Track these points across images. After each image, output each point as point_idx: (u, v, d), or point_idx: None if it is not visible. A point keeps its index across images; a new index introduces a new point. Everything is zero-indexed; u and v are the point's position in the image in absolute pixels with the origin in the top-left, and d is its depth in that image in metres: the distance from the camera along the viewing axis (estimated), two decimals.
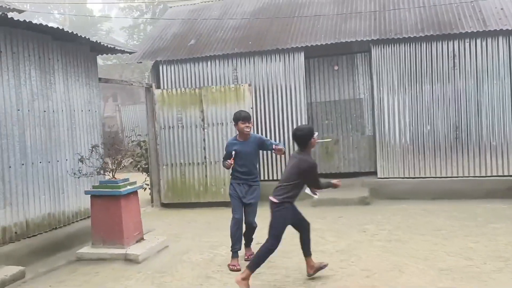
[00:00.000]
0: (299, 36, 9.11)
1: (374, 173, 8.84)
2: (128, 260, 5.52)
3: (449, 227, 6.40)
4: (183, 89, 9.15)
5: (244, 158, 5.32)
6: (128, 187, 5.73)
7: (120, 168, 5.79)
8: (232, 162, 5.25)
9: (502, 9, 8.27)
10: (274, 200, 4.50)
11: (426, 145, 8.41)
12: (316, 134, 4.64)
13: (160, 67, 9.59)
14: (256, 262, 4.45)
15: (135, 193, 5.92)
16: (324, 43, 8.59)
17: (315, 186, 4.69)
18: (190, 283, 4.86)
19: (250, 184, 5.38)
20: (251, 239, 5.58)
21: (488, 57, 8.09)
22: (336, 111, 9.33)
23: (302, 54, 8.91)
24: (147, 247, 5.77)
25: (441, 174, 8.35)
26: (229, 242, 5.36)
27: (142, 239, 6.01)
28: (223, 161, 5.53)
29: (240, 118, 5.31)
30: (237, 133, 5.45)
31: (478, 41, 8.10)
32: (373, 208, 7.86)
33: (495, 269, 4.68)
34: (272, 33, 9.46)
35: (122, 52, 7.29)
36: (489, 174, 8.16)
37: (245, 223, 5.39)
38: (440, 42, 8.26)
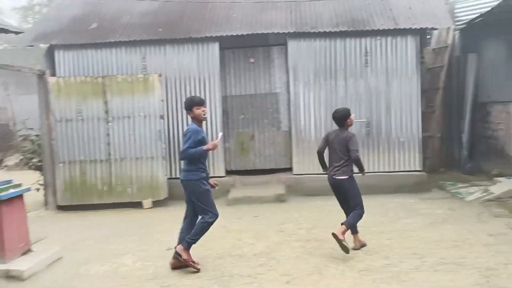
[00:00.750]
0: (213, 25, 8.61)
1: (290, 169, 8.68)
2: (10, 277, 4.64)
3: (364, 224, 6.31)
4: (83, 77, 8.20)
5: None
6: (11, 190, 4.83)
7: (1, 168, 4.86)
8: (217, 144, 4.78)
9: (410, 8, 8.50)
10: (344, 177, 5.26)
11: None
12: (353, 115, 5.39)
13: (56, 53, 8.52)
14: (352, 223, 5.20)
15: (19, 197, 5.01)
16: (240, 34, 8.20)
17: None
18: None
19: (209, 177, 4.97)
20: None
21: (398, 55, 8.28)
22: (252, 106, 8.98)
23: (217, 44, 8.44)
24: (35, 260, 4.92)
25: (355, 169, 8.38)
26: (135, 249, 4.75)
27: (30, 250, 5.13)
28: (191, 150, 4.63)
29: (195, 103, 4.74)
30: (193, 121, 4.81)
31: (389, 39, 8.26)
32: (290, 205, 7.67)
33: (412, 267, 4.64)
34: (185, 20, 8.86)
35: (6, 32, 6.23)
36: (397, 169, 8.39)
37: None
38: (353, 38, 8.28)
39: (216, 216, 4.76)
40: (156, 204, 8.07)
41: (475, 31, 9.82)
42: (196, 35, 8.36)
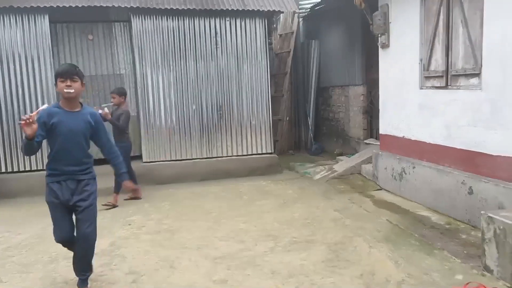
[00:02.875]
0: None
1: (140, 157, 8.04)
2: None
3: (218, 209, 6.16)
4: None
5: (67, 136, 3.48)
6: None
7: None
8: (32, 117, 3.17)
9: None
10: None
11: (192, 125, 8.06)
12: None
13: None
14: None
15: None
16: (74, 5, 7.18)
17: None
18: None
19: (79, 178, 3.58)
20: (86, 264, 3.73)
21: (247, 38, 8.21)
22: (93, 88, 8.03)
23: (47, 17, 7.30)
24: None
25: (208, 154, 8.16)
26: None
27: None
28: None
29: (58, 73, 3.48)
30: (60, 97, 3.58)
31: (238, 20, 8.13)
32: None
33: (266, 249, 4.53)
34: None
35: None
36: (250, 152, 8.39)
37: (76, 237, 3.61)
38: (203, 18, 7.94)
39: (60, 233, 3.64)
40: None
41: (317, 18, 10.37)
42: (20, 4, 7.08)
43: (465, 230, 4.84)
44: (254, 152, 8.41)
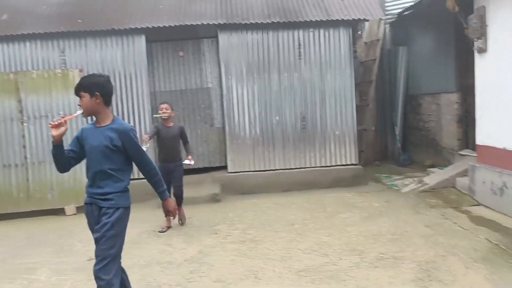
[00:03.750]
0: (138, 16, 8.02)
1: (225, 167, 8.29)
2: None
3: (301, 220, 6.14)
4: None
5: (89, 153, 3.17)
6: None
7: None
8: (62, 119, 3.05)
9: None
10: None
11: (275, 136, 8.16)
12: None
13: None
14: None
15: None
16: (167, 25, 7.68)
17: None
18: None
19: (99, 204, 3.13)
20: None
21: (330, 47, 8.14)
22: (183, 101, 8.48)
23: (143, 37, 7.87)
24: None
25: (290, 165, 8.19)
26: (51, 261, 4.09)
27: None
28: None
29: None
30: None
31: (322, 31, 8.10)
32: (224, 205, 7.27)
33: (351, 264, 4.42)
34: (107, 11, 8.19)
35: None
36: (333, 163, 8.27)
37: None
38: (286, 30, 8.04)
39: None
40: (81, 210, 7.36)
41: (405, 24, 9.98)
42: (120, 27, 7.74)
43: None
44: (338, 163, 8.27)
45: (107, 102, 3.19)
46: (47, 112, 7.42)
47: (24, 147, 7.40)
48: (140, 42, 7.90)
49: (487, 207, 6.09)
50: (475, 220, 5.65)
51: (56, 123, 3.01)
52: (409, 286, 3.85)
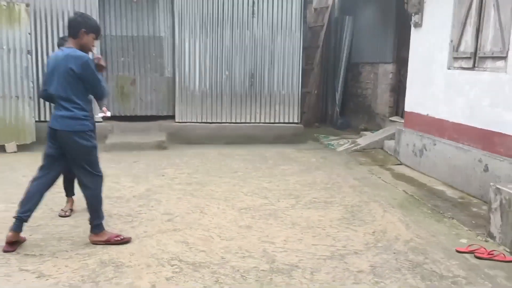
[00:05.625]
0: None
1: (172, 117, 8.50)
2: None
3: (244, 169, 6.59)
4: None
5: None
6: None
7: None
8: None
9: None
10: None
11: (224, 90, 8.45)
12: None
13: None
14: None
15: None
16: None
17: None
18: None
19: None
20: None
21: (283, 9, 8.43)
22: (134, 48, 8.47)
23: None
24: None
25: (237, 119, 8.56)
26: None
27: None
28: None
29: (98, 30, 3.84)
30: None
31: None
32: (171, 152, 7.54)
33: (288, 206, 4.94)
34: None
35: None
36: (277, 121, 8.74)
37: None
38: None
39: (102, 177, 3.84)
40: (21, 148, 7.32)
41: None
42: None
43: (477, 204, 5.13)
44: (281, 121, 8.75)
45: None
46: None
47: None
48: None
49: (408, 166, 6.87)
50: (397, 176, 6.39)
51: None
52: (336, 223, 4.44)
